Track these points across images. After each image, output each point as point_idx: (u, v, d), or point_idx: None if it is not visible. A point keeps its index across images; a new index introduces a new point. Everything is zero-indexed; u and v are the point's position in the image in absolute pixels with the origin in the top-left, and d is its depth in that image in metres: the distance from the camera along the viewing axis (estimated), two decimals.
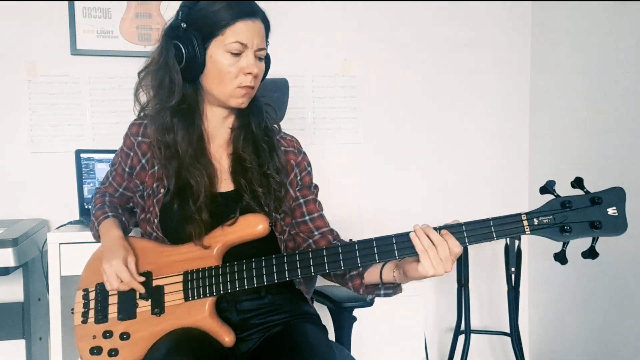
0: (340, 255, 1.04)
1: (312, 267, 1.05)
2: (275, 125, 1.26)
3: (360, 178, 2.44)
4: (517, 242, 2.23)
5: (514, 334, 2.21)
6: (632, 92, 1.95)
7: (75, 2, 2.13)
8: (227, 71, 1.09)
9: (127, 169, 1.23)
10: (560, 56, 2.36)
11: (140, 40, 2.21)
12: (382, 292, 1.13)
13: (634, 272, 1.92)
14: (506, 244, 2.23)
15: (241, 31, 1.07)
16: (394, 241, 1.01)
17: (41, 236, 1.94)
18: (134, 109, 1.22)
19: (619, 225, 0.94)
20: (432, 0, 2.45)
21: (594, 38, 2.15)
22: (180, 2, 1.14)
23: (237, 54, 1.09)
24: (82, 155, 1.98)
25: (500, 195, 2.54)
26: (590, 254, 0.95)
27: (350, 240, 1.10)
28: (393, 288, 1.11)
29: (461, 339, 2.26)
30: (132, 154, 1.22)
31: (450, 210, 2.48)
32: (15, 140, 2.13)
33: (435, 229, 0.99)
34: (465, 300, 2.24)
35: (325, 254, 1.05)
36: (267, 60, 1.18)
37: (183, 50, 1.08)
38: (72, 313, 1.16)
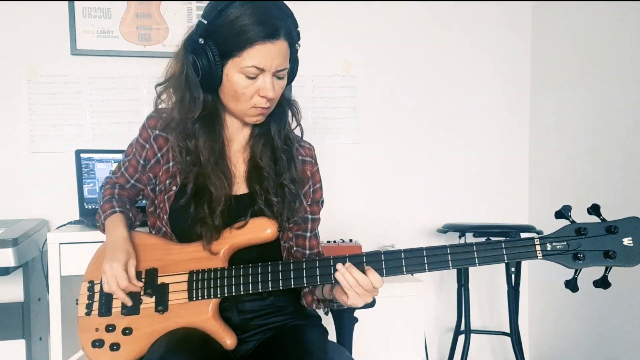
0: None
1: (318, 276, 1.05)
2: (298, 132, 1.24)
3: (360, 178, 2.44)
4: None
5: (514, 334, 2.21)
6: (632, 90, 1.95)
7: (75, 2, 2.13)
8: (241, 92, 1.07)
9: (141, 161, 1.22)
10: (560, 56, 2.36)
11: (140, 40, 2.21)
12: (335, 305, 1.16)
13: (634, 272, 1.92)
14: None
15: (259, 55, 1.03)
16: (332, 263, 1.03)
17: (41, 236, 1.94)
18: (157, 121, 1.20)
19: (633, 257, 0.92)
20: (432, 0, 2.45)
21: (594, 38, 2.15)
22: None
23: (254, 77, 1.06)
24: (82, 155, 1.98)
25: (500, 194, 2.55)
26: (602, 283, 0.95)
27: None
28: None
29: (461, 339, 2.26)
30: (147, 146, 1.20)
31: (450, 210, 2.48)
32: (15, 140, 2.13)
33: (366, 254, 1.02)
34: (465, 300, 2.24)
35: (332, 264, 1.04)
36: (295, 63, 1.15)
37: (199, 66, 1.06)
38: (77, 304, 1.16)
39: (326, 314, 1.27)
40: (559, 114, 2.37)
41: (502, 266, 2.26)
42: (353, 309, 1.40)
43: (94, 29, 2.16)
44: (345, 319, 1.42)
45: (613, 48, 2.05)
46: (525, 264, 2.45)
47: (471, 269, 2.27)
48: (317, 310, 1.22)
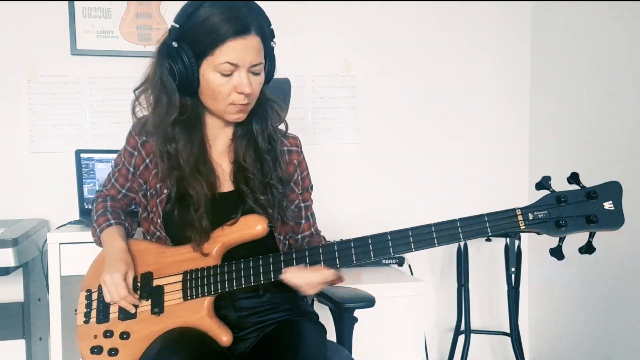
0: (336, 252, 1.04)
1: (307, 265, 1.05)
2: (282, 126, 1.25)
3: (360, 178, 2.44)
4: (517, 242, 2.22)
5: (514, 334, 2.21)
6: (632, 90, 1.95)
7: (75, 2, 2.13)
8: (218, 91, 1.08)
9: (131, 169, 1.23)
10: (560, 56, 2.36)
11: (140, 40, 2.21)
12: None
13: (633, 272, 1.92)
14: (506, 243, 2.23)
15: (231, 51, 1.04)
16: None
17: (41, 236, 1.94)
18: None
19: (615, 219, 0.93)
20: (432, 0, 2.45)
21: (594, 38, 2.15)
22: (176, 12, 1.11)
23: (229, 74, 1.07)
24: (82, 155, 1.99)
25: (500, 194, 2.54)
26: (587, 249, 0.94)
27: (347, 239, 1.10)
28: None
29: (461, 339, 2.27)
30: (136, 153, 1.21)
31: (450, 210, 2.47)
32: (15, 140, 2.13)
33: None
34: (465, 300, 2.24)
35: (321, 251, 1.05)
36: (272, 61, 1.15)
37: (175, 70, 1.07)
38: (75, 314, 1.18)
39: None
40: (558, 114, 2.37)
41: (502, 266, 2.26)
42: (352, 310, 1.41)
43: (94, 29, 2.16)
44: (345, 319, 1.42)
45: (613, 47, 2.05)
46: (525, 264, 2.45)
47: (471, 268, 2.27)
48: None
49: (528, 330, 2.58)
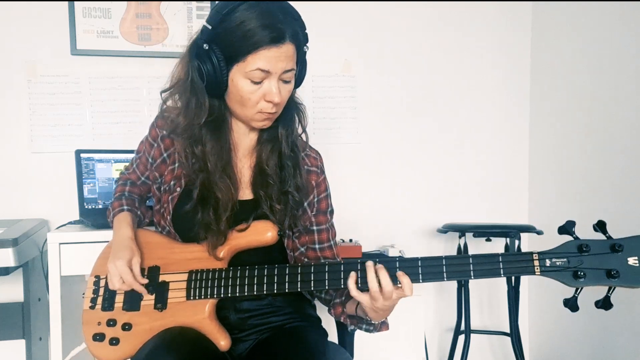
0: (342, 273, 1.03)
1: (312, 282, 1.05)
2: (303, 137, 1.22)
3: (360, 178, 2.44)
4: (517, 242, 2.22)
5: (514, 334, 2.21)
6: (634, 91, 1.95)
7: (75, 2, 2.13)
8: (247, 97, 1.05)
9: (149, 159, 1.23)
10: (561, 56, 2.36)
11: (140, 40, 2.21)
12: (363, 326, 1.14)
13: None
14: (506, 243, 2.23)
15: (264, 59, 1.01)
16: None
17: (41, 236, 1.94)
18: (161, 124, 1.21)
19: (638, 277, 0.87)
20: (432, 0, 2.45)
21: (595, 38, 2.15)
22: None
23: (259, 82, 1.04)
24: (82, 155, 1.99)
25: (500, 194, 2.55)
26: (604, 304, 0.90)
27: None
28: (374, 325, 1.12)
29: (461, 339, 2.26)
30: (155, 145, 1.21)
31: (450, 210, 2.48)
32: (15, 140, 2.13)
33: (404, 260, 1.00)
34: (465, 300, 2.24)
35: (327, 270, 1.04)
36: (303, 65, 1.13)
37: (204, 71, 1.04)
38: (83, 297, 1.18)
39: (351, 331, 1.26)
40: (559, 114, 2.37)
41: None
42: None
43: (94, 29, 2.16)
44: None
45: (614, 48, 2.05)
46: None
47: None
48: (345, 323, 1.19)
49: (528, 330, 2.58)
